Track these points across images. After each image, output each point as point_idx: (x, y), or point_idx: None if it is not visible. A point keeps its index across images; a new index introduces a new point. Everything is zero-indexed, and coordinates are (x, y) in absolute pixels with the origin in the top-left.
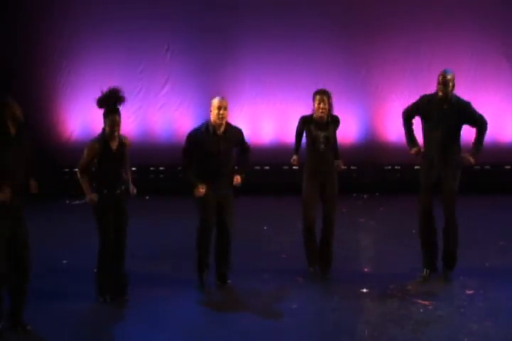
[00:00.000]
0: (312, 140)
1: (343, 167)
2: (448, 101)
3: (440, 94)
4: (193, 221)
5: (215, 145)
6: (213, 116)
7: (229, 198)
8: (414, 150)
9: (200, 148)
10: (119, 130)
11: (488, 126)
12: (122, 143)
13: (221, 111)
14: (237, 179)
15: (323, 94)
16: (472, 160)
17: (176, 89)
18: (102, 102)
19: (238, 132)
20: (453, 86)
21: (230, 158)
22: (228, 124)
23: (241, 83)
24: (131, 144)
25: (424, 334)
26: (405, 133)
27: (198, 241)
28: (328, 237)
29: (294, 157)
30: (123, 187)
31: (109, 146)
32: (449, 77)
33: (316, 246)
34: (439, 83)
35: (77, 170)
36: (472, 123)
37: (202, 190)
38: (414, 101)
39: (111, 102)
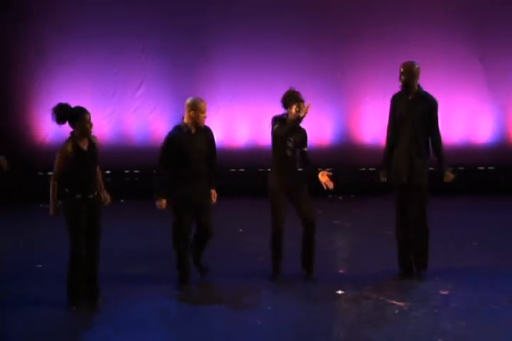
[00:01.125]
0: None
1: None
2: (414, 92)
3: (402, 84)
4: (169, 223)
5: (191, 145)
6: (198, 119)
7: (207, 201)
8: (382, 175)
9: (179, 149)
10: (92, 126)
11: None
12: (92, 143)
13: (205, 114)
14: (214, 195)
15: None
16: (452, 176)
17: (151, 92)
18: (60, 118)
19: (209, 131)
20: (413, 75)
21: (205, 159)
22: None
23: (216, 85)
24: (99, 144)
25: (399, 336)
26: (385, 153)
27: (175, 245)
28: (311, 238)
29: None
30: (96, 193)
31: (80, 148)
32: (411, 67)
33: (282, 254)
34: (400, 73)
35: (51, 177)
36: (429, 127)
37: (163, 206)
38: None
39: (67, 115)
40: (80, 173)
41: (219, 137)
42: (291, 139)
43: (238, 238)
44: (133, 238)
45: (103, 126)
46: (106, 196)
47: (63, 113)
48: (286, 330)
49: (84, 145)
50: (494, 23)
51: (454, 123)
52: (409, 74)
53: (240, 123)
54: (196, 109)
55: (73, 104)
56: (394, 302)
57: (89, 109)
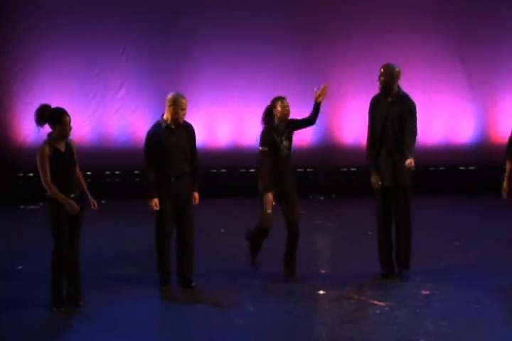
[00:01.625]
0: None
1: None
2: (393, 94)
3: (381, 86)
4: (151, 224)
5: (170, 140)
6: (176, 114)
7: (190, 204)
8: (375, 180)
9: (159, 145)
10: (71, 129)
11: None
12: (69, 145)
13: (185, 111)
14: (196, 198)
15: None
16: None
17: (132, 93)
18: (41, 119)
19: (190, 127)
20: (393, 77)
21: (187, 156)
22: None
23: (198, 86)
24: (76, 147)
25: (380, 335)
26: (371, 160)
27: (157, 246)
28: (295, 240)
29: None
30: (77, 191)
31: (57, 149)
32: (391, 69)
33: (260, 245)
34: (380, 75)
35: (43, 182)
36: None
37: (156, 207)
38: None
39: (48, 116)
40: (59, 174)
41: (200, 137)
42: (284, 139)
43: (220, 238)
44: (114, 239)
45: (84, 127)
46: (93, 201)
47: (44, 114)
48: (269, 330)
49: (62, 147)
50: (475, 22)
51: (435, 123)
52: (389, 76)
53: (222, 123)
54: (176, 104)
55: (54, 105)
56: (375, 302)
57: (70, 109)
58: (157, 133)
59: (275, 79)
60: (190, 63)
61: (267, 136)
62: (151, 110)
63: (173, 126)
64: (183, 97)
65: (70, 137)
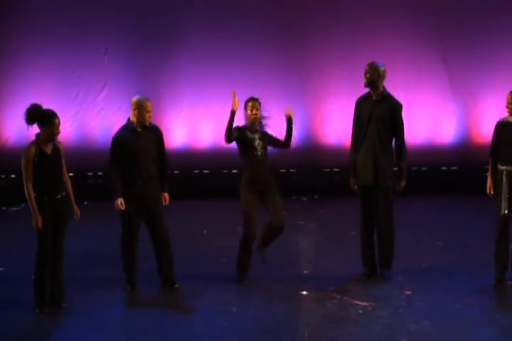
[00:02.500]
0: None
1: None
2: (379, 94)
3: (366, 82)
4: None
5: (137, 142)
6: (141, 117)
7: (158, 202)
8: (353, 183)
9: (125, 148)
10: (59, 133)
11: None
12: (56, 147)
13: (150, 113)
14: (166, 198)
15: (255, 101)
16: (402, 185)
17: (115, 94)
18: (31, 118)
19: (158, 130)
20: (379, 75)
21: (153, 158)
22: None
23: (180, 87)
24: (64, 150)
25: (363, 336)
26: (350, 162)
27: (122, 251)
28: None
29: None
30: (63, 193)
31: (44, 151)
32: (372, 68)
33: (249, 260)
34: (366, 72)
35: (24, 181)
36: (393, 130)
37: (121, 206)
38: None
39: (38, 116)
40: (45, 176)
41: (183, 138)
42: (257, 138)
43: (202, 239)
44: (96, 240)
45: (66, 128)
46: (76, 211)
47: (35, 114)
48: (252, 331)
49: (48, 149)
50: (456, 22)
51: (417, 123)
52: (374, 74)
53: (204, 124)
54: (140, 107)
55: None
56: (358, 302)
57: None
58: (123, 137)
59: (257, 80)
60: (172, 64)
61: (236, 133)
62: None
63: (139, 129)
64: (148, 100)
65: (60, 140)
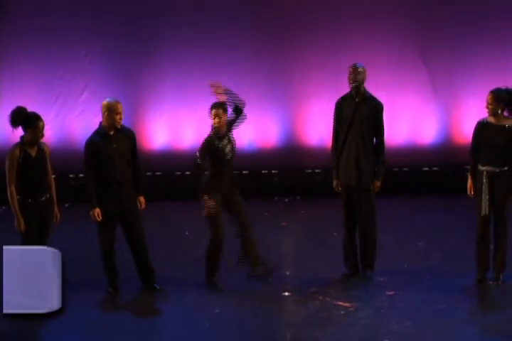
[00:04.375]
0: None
1: None
2: (361, 94)
3: (352, 85)
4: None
5: (110, 146)
6: (111, 119)
7: (134, 206)
8: (336, 185)
9: (98, 152)
10: (43, 136)
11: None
12: (41, 149)
13: (121, 116)
14: (142, 202)
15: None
16: (377, 186)
17: (96, 96)
18: (15, 121)
19: (131, 133)
20: (363, 79)
21: (127, 162)
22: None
23: (161, 89)
24: (50, 151)
25: (346, 336)
26: (333, 163)
27: (101, 255)
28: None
29: None
30: (47, 195)
31: (28, 153)
32: (359, 69)
33: (220, 259)
34: (350, 73)
35: (8, 185)
36: (375, 131)
37: (98, 217)
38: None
39: (22, 119)
40: (28, 179)
41: (165, 140)
42: (226, 143)
43: (184, 240)
44: (79, 242)
45: (47, 130)
46: (57, 214)
47: (19, 117)
48: (234, 332)
49: (33, 152)
50: (438, 24)
51: (398, 124)
52: (358, 76)
53: (185, 126)
54: (110, 110)
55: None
56: (340, 303)
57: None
58: (95, 141)
59: (240, 82)
60: (153, 66)
61: (207, 149)
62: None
63: (111, 133)
64: (118, 102)
65: (44, 142)
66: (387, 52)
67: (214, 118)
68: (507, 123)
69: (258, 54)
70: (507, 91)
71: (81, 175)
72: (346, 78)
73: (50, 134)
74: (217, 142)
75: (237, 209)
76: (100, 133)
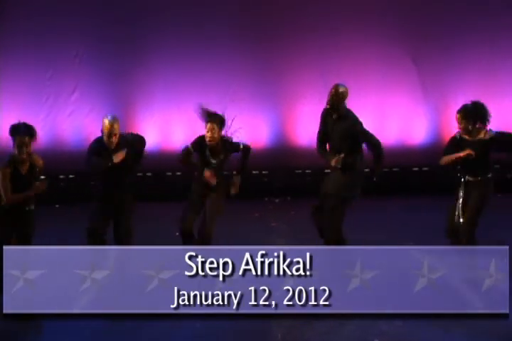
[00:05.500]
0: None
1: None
2: (338, 112)
3: (328, 106)
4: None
5: (106, 162)
6: (108, 141)
7: (126, 209)
8: (334, 160)
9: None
10: (27, 152)
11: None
12: (32, 164)
13: (117, 136)
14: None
15: (214, 122)
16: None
17: (86, 96)
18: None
19: (130, 143)
20: (343, 98)
21: (126, 171)
22: (120, 136)
23: (152, 89)
24: (42, 165)
25: (336, 335)
26: (321, 154)
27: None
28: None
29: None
30: (32, 207)
31: (18, 170)
32: (341, 90)
33: None
34: (330, 94)
35: (5, 200)
36: (366, 142)
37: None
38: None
39: (21, 130)
40: (15, 192)
41: (155, 141)
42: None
43: (173, 241)
44: (68, 244)
45: (37, 131)
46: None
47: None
48: (225, 332)
49: (23, 169)
50: (427, 23)
51: (388, 124)
52: (334, 97)
53: (176, 126)
54: (103, 127)
55: (6, 109)
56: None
57: (22, 113)
58: (97, 150)
59: (230, 83)
60: (144, 66)
61: (195, 146)
62: (104, 114)
63: (112, 147)
64: (114, 122)
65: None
66: (377, 52)
67: (207, 132)
68: (480, 136)
69: (248, 54)
70: (474, 105)
71: (71, 176)
72: (335, 80)
73: (40, 135)
74: (210, 158)
75: (208, 206)
76: (102, 144)
